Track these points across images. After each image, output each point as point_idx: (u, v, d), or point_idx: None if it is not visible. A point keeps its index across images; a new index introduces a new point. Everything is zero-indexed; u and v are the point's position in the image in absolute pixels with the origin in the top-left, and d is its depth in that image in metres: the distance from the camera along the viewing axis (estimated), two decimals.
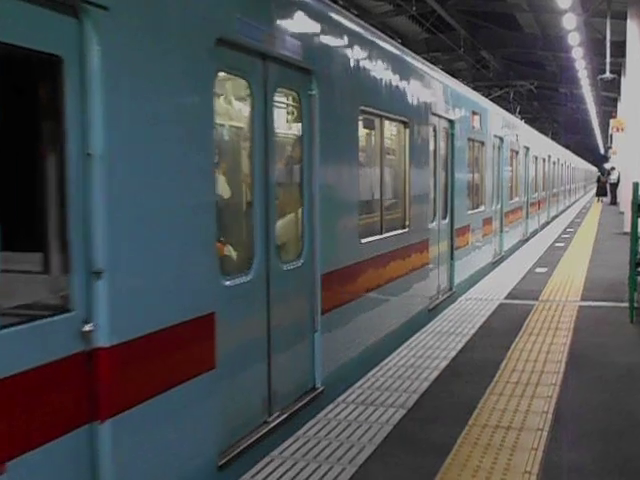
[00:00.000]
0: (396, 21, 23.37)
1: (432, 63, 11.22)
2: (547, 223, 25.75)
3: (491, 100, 18.12)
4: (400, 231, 8.18)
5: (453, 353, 6.89)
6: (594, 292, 10.29)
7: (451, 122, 10.71)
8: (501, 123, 15.66)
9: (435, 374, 6.20)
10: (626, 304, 8.63)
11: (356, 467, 4.28)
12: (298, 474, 4.19)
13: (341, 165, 6.49)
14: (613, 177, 38.30)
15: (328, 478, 4.14)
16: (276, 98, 5.30)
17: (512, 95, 28.35)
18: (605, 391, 5.79)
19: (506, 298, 9.90)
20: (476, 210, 12.98)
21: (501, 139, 15.50)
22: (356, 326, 6.74)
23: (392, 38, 8.45)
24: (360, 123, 6.99)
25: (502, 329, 7.95)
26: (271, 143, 5.18)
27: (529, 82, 31.69)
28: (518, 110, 24.83)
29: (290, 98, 5.78)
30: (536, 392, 5.69)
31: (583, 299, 9.78)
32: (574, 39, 22.34)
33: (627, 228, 16.74)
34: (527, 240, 19.31)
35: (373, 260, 7.15)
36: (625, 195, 23.08)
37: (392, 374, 6.20)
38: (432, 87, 9.57)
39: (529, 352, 6.90)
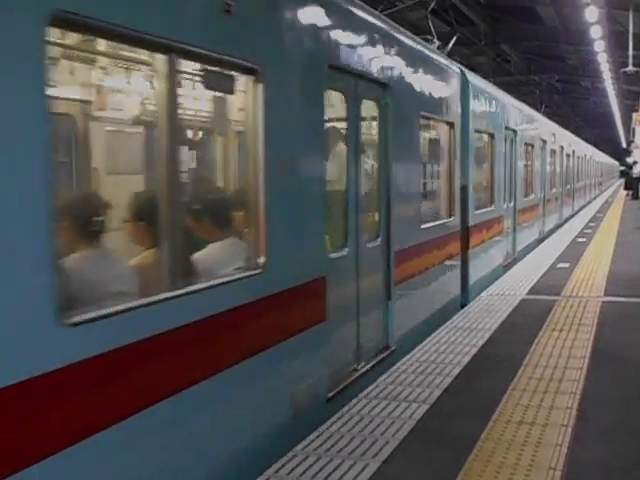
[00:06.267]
0: (414, 15, 23.21)
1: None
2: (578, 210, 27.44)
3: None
4: (448, 219, 9.47)
5: (475, 349, 6.87)
6: (617, 287, 10.19)
7: (514, 132, 13.39)
8: (544, 127, 19.22)
9: (458, 370, 6.19)
10: None
11: (379, 463, 4.29)
12: (321, 469, 4.20)
13: (407, 161, 7.69)
14: (635, 171, 37.81)
15: (351, 473, 4.14)
16: (362, 107, 6.52)
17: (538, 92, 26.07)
18: (629, 387, 5.75)
19: (528, 294, 9.85)
20: (529, 197, 16.23)
21: (544, 141, 18.74)
22: (419, 296, 8.03)
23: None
24: (419, 126, 8.14)
25: (525, 325, 7.91)
26: (359, 145, 6.41)
27: (550, 76, 31.35)
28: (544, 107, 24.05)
29: (371, 106, 6.89)
30: (560, 388, 5.66)
31: (606, 294, 9.70)
32: (596, 32, 22.08)
33: None
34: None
35: (430, 242, 8.43)
36: None
37: (414, 370, 6.20)
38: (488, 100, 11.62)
39: (552, 348, 6.87)
